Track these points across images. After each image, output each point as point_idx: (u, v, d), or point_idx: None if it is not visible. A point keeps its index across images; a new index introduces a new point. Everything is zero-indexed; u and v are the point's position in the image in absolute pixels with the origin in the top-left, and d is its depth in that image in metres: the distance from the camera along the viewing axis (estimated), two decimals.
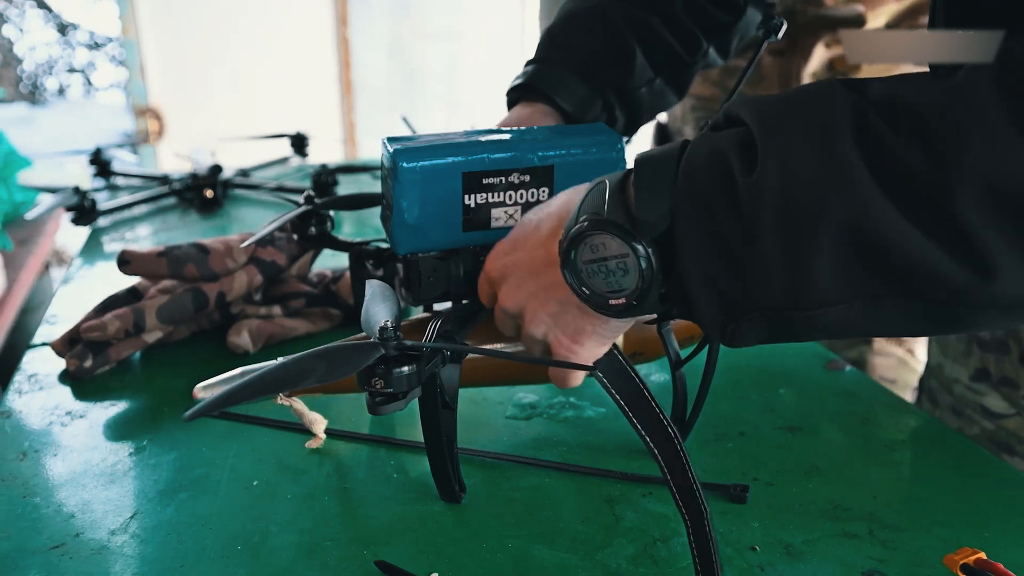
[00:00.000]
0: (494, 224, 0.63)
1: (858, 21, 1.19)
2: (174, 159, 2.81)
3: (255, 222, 1.34)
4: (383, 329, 0.49)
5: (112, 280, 0.95)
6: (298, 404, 0.63)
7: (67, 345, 0.82)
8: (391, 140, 0.62)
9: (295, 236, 0.80)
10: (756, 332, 0.44)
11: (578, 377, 0.56)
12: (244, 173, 1.60)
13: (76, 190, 1.31)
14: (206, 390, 0.58)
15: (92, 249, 1.22)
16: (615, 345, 0.55)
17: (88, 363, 0.79)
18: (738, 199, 0.41)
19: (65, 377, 0.81)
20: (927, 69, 0.46)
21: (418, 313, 0.77)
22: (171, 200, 1.44)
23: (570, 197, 0.52)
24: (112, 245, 1.24)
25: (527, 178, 0.62)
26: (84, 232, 1.31)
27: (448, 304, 0.65)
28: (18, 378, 0.81)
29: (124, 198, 1.41)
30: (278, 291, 0.92)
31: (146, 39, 3.01)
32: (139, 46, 3.01)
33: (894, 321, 0.41)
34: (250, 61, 3.13)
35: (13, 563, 0.54)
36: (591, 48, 0.75)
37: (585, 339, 0.52)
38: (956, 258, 0.37)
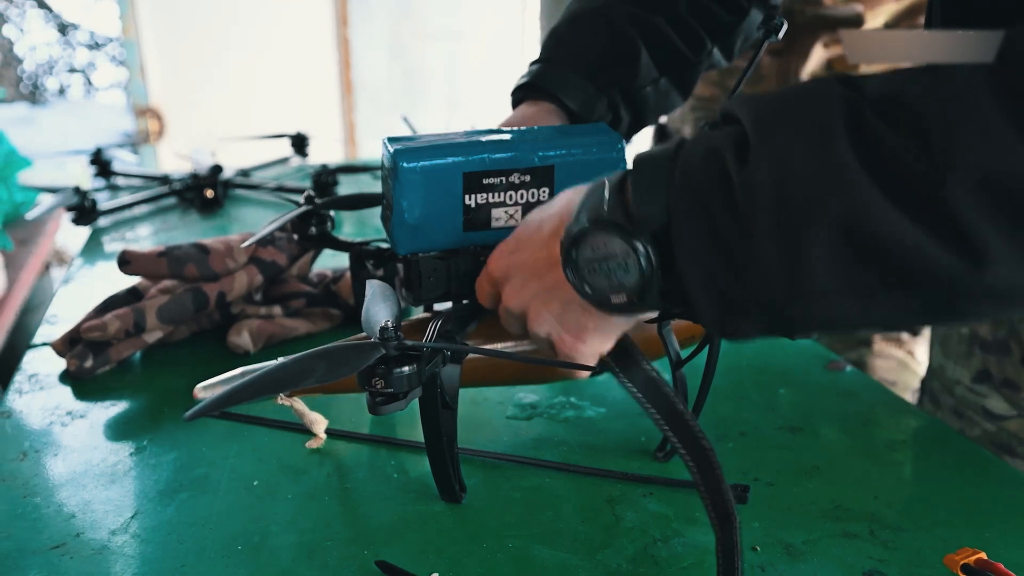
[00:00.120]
0: (494, 224, 0.63)
1: (856, 21, 1.19)
2: (174, 159, 2.81)
3: (255, 222, 1.34)
4: (383, 329, 0.49)
5: (112, 280, 0.95)
6: (298, 404, 0.63)
7: (67, 345, 0.82)
8: (391, 140, 0.62)
9: (295, 236, 0.80)
10: (753, 326, 0.44)
11: (590, 361, 0.56)
12: (244, 173, 1.60)
13: (76, 190, 1.31)
14: (206, 390, 0.58)
15: (92, 249, 1.22)
16: (626, 335, 0.55)
17: (88, 363, 0.79)
18: (734, 195, 0.42)
19: (65, 377, 0.81)
20: None
21: (418, 313, 0.77)
22: (171, 200, 1.44)
23: (571, 198, 0.53)
24: (112, 245, 1.24)
25: (527, 178, 0.62)
26: (84, 232, 1.31)
27: (448, 304, 0.65)
28: (18, 378, 0.81)
29: (124, 198, 1.41)
30: (278, 291, 0.92)
31: (146, 39, 3.01)
32: (139, 46, 3.01)
33: (890, 313, 0.41)
34: (250, 61, 3.13)
35: (14, 563, 0.54)
36: (596, 47, 0.76)
37: (588, 336, 0.53)
38: (949, 249, 0.38)
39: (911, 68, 0.40)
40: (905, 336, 1.38)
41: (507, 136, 0.64)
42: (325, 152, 2.57)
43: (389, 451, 0.68)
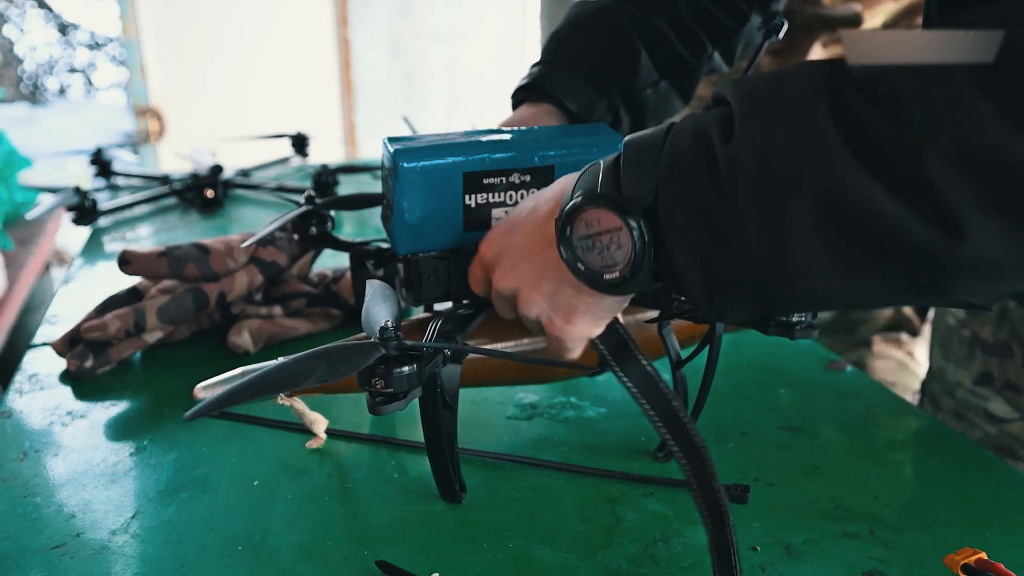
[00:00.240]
0: (495, 224, 0.63)
1: (855, 21, 1.19)
2: (175, 159, 2.82)
3: (256, 222, 1.34)
4: (383, 329, 0.49)
5: (113, 280, 0.95)
6: (299, 404, 0.63)
7: (68, 345, 0.82)
8: (392, 140, 0.62)
9: (296, 236, 0.80)
10: (742, 303, 0.45)
11: (576, 350, 0.57)
12: (245, 173, 1.60)
13: (77, 190, 1.31)
14: (207, 390, 0.58)
15: (93, 249, 1.22)
16: (624, 329, 0.55)
17: (89, 363, 0.79)
18: (718, 170, 0.43)
19: (66, 377, 0.81)
20: None
21: (418, 313, 0.77)
22: (172, 200, 1.45)
23: (566, 182, 0.53)
24: (113, 245, 1.24)
25: (528, 178, 0.62)
26: (85, 232, 1.31)
27: (448, 304, 0.65)
28: (19, 378, 0.81)
29: (125, 198, 1.41)
30: (279, 291, 0.92)
31: (147, 39, 3.01)
32: (140, 46, 3.01)
33: (874, 289, 0.42)
34: (251, 61, 3.13)
35: (14, 563, 0.54)
36: (596, 48, 0.76)
37: (578, 318, 0.53)
38: (929, 222, 0.38)
39: None
40: (904, 337, 1.38)
41: (507, 136, 0.64)
42: (325, 152, 2.57)
43: (389, 451, 0.68)
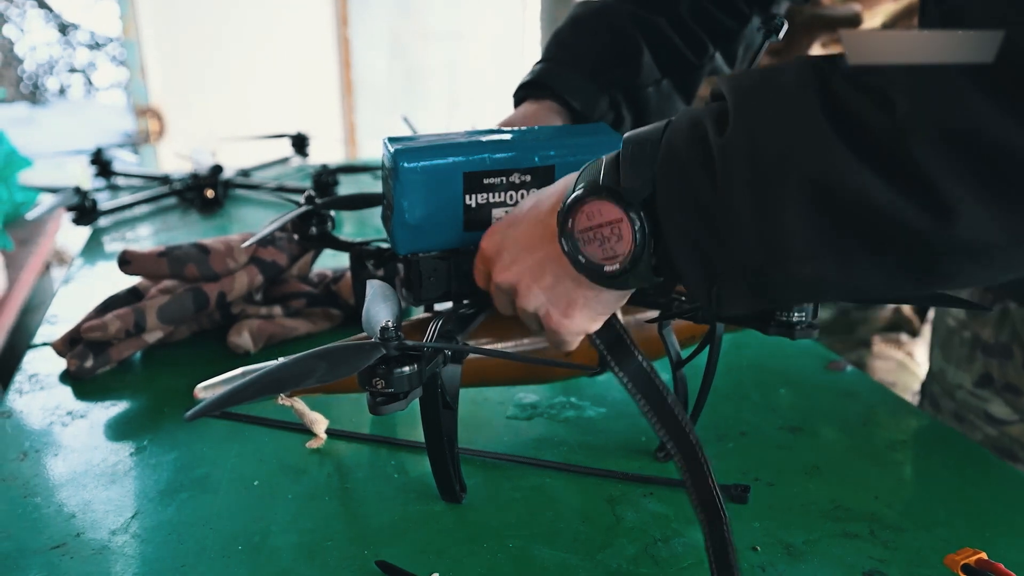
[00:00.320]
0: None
1: (854, 21, 1.19)
2: (175, 159, 2.81)
3: (256, 222, 1.34)
4: (384, 329, 0.49)
5: (113, 280, 0.95)
6: (299, 404, 0.63)
7: (68, 345, 0.82)
8: (392, 140, 0.62)
9: (296, 236, 0.80)
10: (739, 294, 0.45)
11: (572, 343, 0.57)
12: (245, 173, 1.60)
13: (77, 190, 1.31)
14: (207, 390, 0.58)
15: (93, 249, 1.22)
16: (622, 325, 0.55)
17: (89, 363, 0.79)
18: (712, 161, 0.43)
19: (66, 377, 0.81)
20: None
21: (419, 313, 0.77)
22: (172, 200, 1.45)
23: (569, 180, 0.54)
24: (113, 245, 1.24)
25: (528, 178, 0.62)
26: (85, 232, 1.31)
27: (449, 304, 0.65)
28: (19, 378, 0.81)
29: (125, 198, 1.41)
30: (279, 291, 0.92)
31: (147, 39, 3.01)
32: (140, 46, 3.01)
33: (869, 275, 0.42)
34: (251, 61, 3.13)
35: (14, 563, 0.54)
36: (597, 47, 0.76)
37: (576, 312, 0.54)
38: (918, 205, 0.38)
39: None
40: (904, 337, 1.38)
41: (508, 136, 0.64)
42: (325, 152, 2.57)
43: (389, 451, 0.68)
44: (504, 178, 0.62)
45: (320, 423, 0.65)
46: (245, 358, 0.84)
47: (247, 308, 0.89)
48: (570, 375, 0.72)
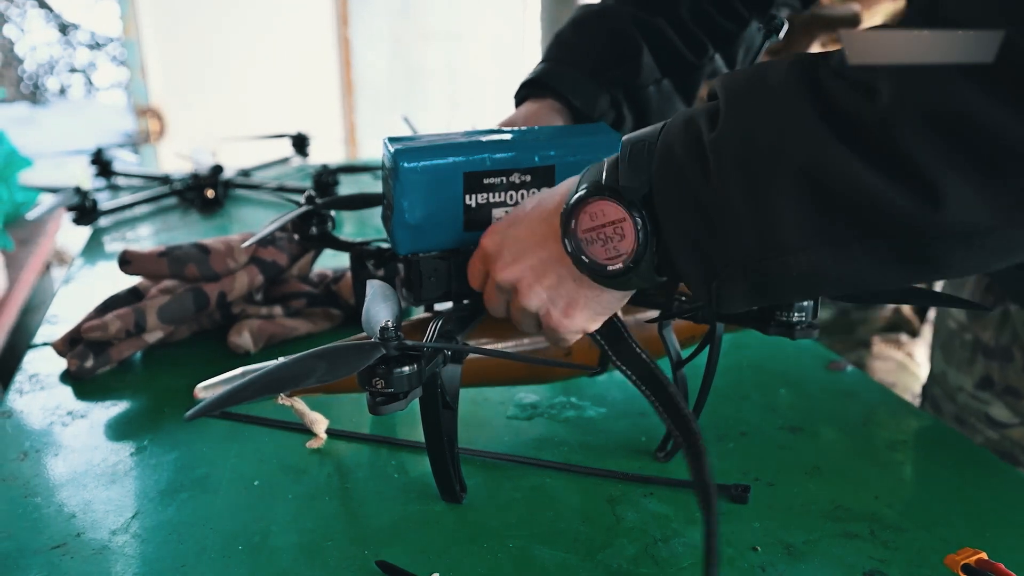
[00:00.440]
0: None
1: (853, 21, 1.20)
2: (175, 159, 2.82)
3: (256, 222, 1.34)
4: (384, 329, 0.49)
5: (113, 280, 0.95)
6: (299, 404, 0.63)
7: (68, 345, 0.82)
8: (392, 140, 0.62)
9: (296, 236, 0.80)
10: (738, 289, 0.46)
11: (572, 339, 0.57)
12: (245, 173, 1.60)
13: (77, 190, 1.31)
14: (207, 390, 0.58)
15: (93, 249, 1.22)
16: (619, 320, 0.56)
17: (89, 363, 0.79)
18: (705, 154, 0.44)
19: (66, 377, 0.81)
20: None
21: (419, 313, 0.77)
22: (172, 200, 1.45)
23: (572, 181, 0.54)
24: (113, 245, 1.24)
25: (528, 178, 0.62)
26: (85, 232, 1.31)
27: (449, 304, 0.65)
28: (19, 378, 0.81)
29: (125, 198, 1.41)
30: (279, 291, 0.92)
31: (147, 39, 3.01)
32: (140, 46, 3.01)
33: (865, 266, 0.42)
34: (251, 61, 3.13)
35: (14, 563, 0.54)
36: (598, 47, 0.77)
37: (576, 312, 0.54)
38: (906, 191, 0.39)
39: None
40: (904, 338, 1.38)
41: (508, 136, 0.64)
42: (326, 152, 2.57)
43: (390, 451, 0.68)
44: (504, 178, 0.62)
45: (320, 423, 0.65)
46: (245, 358, 0.84)
47: (247, 308, 0.89)
48: (570, 375, 0.72)
